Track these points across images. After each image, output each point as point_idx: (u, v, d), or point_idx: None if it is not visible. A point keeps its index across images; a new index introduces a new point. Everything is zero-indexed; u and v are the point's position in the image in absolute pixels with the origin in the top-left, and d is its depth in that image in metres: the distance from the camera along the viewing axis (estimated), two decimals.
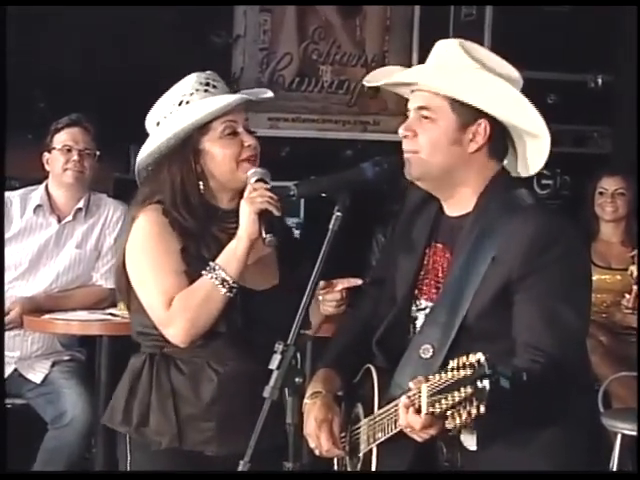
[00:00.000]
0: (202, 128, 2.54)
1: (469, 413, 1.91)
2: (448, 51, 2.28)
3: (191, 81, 2.59)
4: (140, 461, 2.57)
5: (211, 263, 2.49)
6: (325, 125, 5.72)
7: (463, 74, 2.24)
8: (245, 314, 2.51)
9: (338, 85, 5.72)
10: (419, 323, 2.33)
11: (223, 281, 2.47)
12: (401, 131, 2.28)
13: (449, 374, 1.93)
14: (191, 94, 2.57)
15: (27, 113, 4.75)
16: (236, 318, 2.51)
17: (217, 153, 2.55)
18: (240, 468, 2.11)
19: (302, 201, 4.51)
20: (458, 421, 1.93)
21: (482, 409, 1.89)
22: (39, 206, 4.11)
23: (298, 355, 2.19)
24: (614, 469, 4.01)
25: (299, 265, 2.56)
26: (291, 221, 4.55)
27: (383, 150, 2.34)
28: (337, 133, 5.73)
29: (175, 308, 2.48)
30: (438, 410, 1.94)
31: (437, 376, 1.95)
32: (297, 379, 2.14)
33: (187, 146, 2.54)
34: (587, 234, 4.74)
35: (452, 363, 1.94)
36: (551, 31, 5.49)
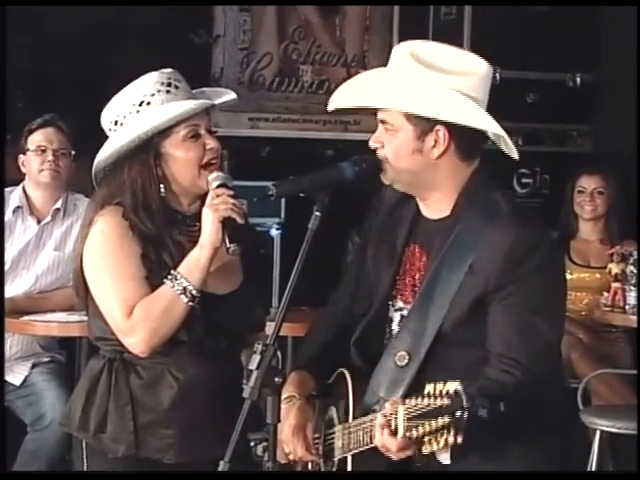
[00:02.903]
0: (164, 131, 2.47)
1: (446, 441, 1.92)
2: (399, 60, 2.28)
3: (152, 81, 2.51)
4: (97, 468, 2.52)
5: (173, 271, 2.44)
6: (306, 125, 5.71)
7: (413, 86, 2.23)
8: (207, 320, 2.47)
9: (318, 85, 5.70)
10: (395, 323, 2.33)
11: (185, 290, 2.42)
12: (371, 143, 2.31)
13: (425, 400, 1.93)
14: (152, 95, 2.49)
15: (6, 113, 4.72)
16: (198, 326, 2.46)
17: (179, 156, 2.48)
18: (220, 468, 2.10)
19: (283, 201, 4.48)
20: (435, 447, 1.94)
21: (459, 439, 1.90)
22: (18, 207, 4.09)
23: (279, 354, 2.18)
24: (593, 466, 4.02)
25: (264, 269, 2.51)
26: (272, 221, 4.54)
27: (364, 150, 2.34)
28: (318, 133, 5.71)
29: (136, 317, 2.43)
30: (415, 435, 1.95)
31: (413, 400, 1.95)
32: (277, 379, 2.12)
33: (148, 149, 2.48)
34: (565, 237, 4.78)
35: (428, 388, 1.95)
36: (530, 30, 5.50)
